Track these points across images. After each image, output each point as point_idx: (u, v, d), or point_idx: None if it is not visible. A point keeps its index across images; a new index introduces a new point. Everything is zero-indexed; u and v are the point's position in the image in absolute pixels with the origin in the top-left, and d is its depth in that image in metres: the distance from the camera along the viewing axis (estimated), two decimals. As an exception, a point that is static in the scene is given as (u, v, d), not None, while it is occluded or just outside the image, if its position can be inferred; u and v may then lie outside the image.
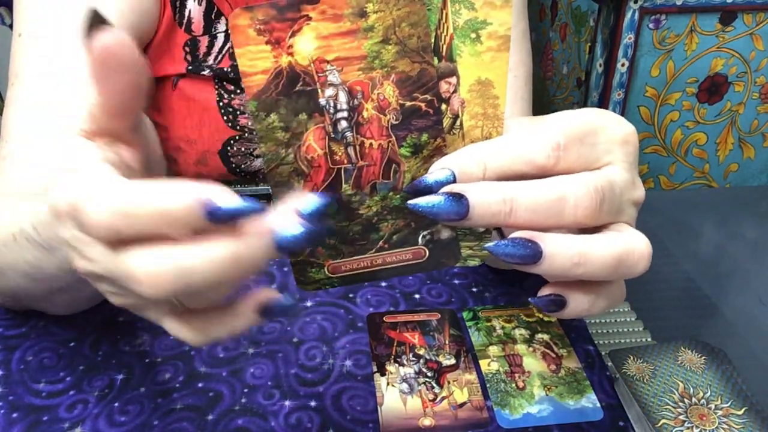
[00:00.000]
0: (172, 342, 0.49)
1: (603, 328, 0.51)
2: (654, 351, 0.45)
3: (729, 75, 0.98)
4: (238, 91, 0.61)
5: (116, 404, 0.44)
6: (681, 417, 0.40)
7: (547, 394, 0.45)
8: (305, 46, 0.29)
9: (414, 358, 0.47)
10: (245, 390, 0.45)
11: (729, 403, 0.41)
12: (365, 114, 0.31)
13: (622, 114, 1.00)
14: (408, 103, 0.31)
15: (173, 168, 0.63)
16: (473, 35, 0.30)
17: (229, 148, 0.63)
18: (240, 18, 0.28)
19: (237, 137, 0.62)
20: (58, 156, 0.29)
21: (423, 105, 0.31)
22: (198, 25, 0.59)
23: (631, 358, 0.44)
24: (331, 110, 0.31)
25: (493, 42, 0.30)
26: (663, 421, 0.40)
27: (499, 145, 0.30)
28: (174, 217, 0.24)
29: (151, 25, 0.57)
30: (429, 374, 0.46)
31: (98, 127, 0.28)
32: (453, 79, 0.31)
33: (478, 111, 0.32)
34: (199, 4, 0.58)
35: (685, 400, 0.41)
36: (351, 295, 0.54)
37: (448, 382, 0.45)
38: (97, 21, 0.25)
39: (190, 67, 0.59)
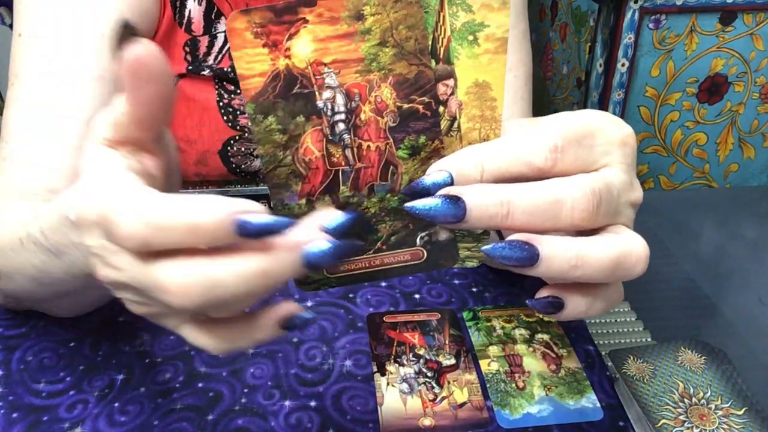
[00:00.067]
0: (172, 342, 0.49)
1: (603, 328, 0.51)
2: (654, 351, 0.45)
3: (729, 75, 0.98)
4: (238, 91, 0.61)
5: (116, 404, 0.44)
6: (681, 417, 0.40)
7: (547, 394, 0.45)
8: (302, 48, 0.29)
9: (414, 358, 0.47)
10: (245, 390, 0.45)
11: (729, 403, 0.41)
12: (363, 116, 0.31)
13: (622, 114, 1.00)
14: (405, 106, 0.31)
15: (173, 168, 0.63)
16: (470, 37, 0.30)
17: (229, 148, 0.63)
18: (237, 21, 0.28)
19: (237, 137, 0.62)
20: (80, 163, 0.29)
21: (420, 107, 0.31)
22: (198, 25, 0.59)
23: (631, 358, 0.44)
24: (329, 112, 0.31)
25: (491, 44, 0.30)
26: (663, 421, 0.40)
27: (496, 147, 0.30)
28: (205, 231, 0.24)
29: (151, 25, 0.57)
30: (429, 374, 0.46)
31: (123, 136, 0.29)
32: (450, 82, 0.31)
33: (476, 113, 0.32)
34: (199, 4, 0.58)
35: (685, 400, 0.41)
36: (351, 295, 0.54)
37: (448, 382, 0.45)
38: (128, 32, 0.26)
39: (190, 67, 0.59)
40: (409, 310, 0.52)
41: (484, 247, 0.29)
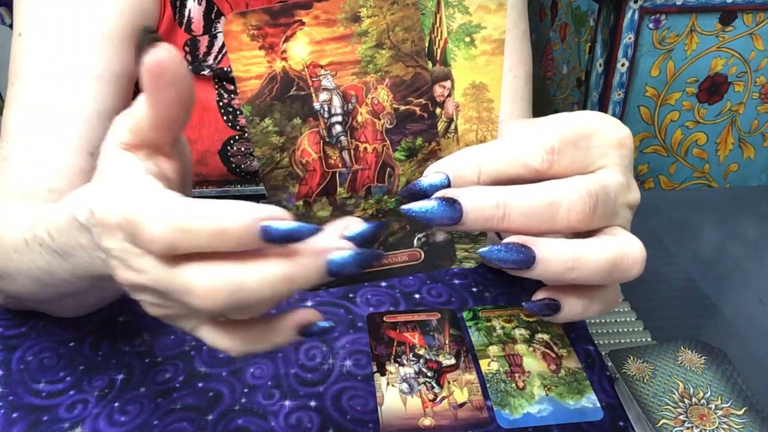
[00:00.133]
0: (172, 342, 0.49)
1: (603, 328, 0.51)
2: (654, 351, 0.45)
3: (729, 75, 0.98)
4: (238, 91, 0.61)
5: (116, 404, 0.44)
6: (681, 417, 0.40)
7: (547, 394, 0.45)
8: (299, 50, 0.29)
9: (414, 358, 0.47)
10: (245, 390, 0.45)
11: (729, 403, 0.41)
12: (360, 118, 0.31)
13: (622, 114, 1.00)
14: (402, 107, 0.31)
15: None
16: (467, 39, 0.30)
17: (229, 148, 0.63)
18: (233, 23, 0.28)
19: (237, 137, 0.62)
20: (97, 166, 0.30)
21: (417, 109, 0.31)
22: (198, 24, 0.59)
23: (631, 358, 0.44)
24: (326, 114, 0.31)
25: (488, 46, 0.30)
26: (663, 421, 0.40)
27: (493, 148, 0.30)
28: (231, 236, 0.25)
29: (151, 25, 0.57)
30: (429, 374, 0.46)
31: (142, 139, 0.29)
32: (447, 83, 0.31)
33: (473, 115, 0.32)
34: (199, 4, 0.58)
35: (685, 400, 0.41)
36: (351, 295, 0.54)
37: (448, 382, 0.45)
38: (151, 37, 0.26)
39: (189, 67, 0.59)
40: (409, 310, 0.52)
41: (481, 250, 0.29)
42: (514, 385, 0.45)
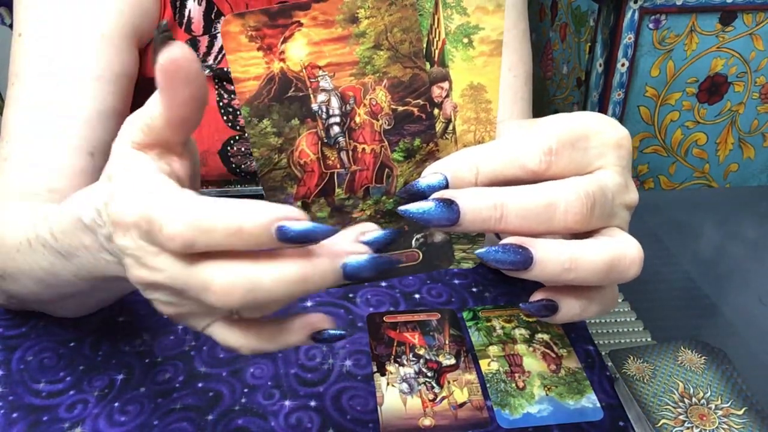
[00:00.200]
0: (172, 342, 0.49)
1: (603, 328, 0.51)
2: (654, 351, 0.45)
3: (729, 75, 0.98)
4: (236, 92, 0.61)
5: (116, 404, 0.44)
6: (681, 417, 0.40)
7: (547, 394, 0.45)
8: (297, 52, 0.29)
9: (414, 358, 0.47)
10: (245, 390, 0.45)
11: (729, 403, 0.41)
12: (358, 119, 0.31)
13: (622, 114, 1.00)
14: (400, 108, 0.31)
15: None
16: (465, 40, 0.30)
17: (229, 148, 0.63)
18: (231, 24, 0.28)
19: (237, 137, 0.62)
20: (109, 166, 0.30)
21: (415, 110, 0.31)
22: (198, 25, 0.59)
23: (631, 358, 0.44)
24: (324, 115, 0.31)
25: (486, 47, 0.30)
26: (663, 421, 0.40)
27: (491, 149, 0.30)
28: (248, 235, 0.25)
29: (151, 25, 0.57)
30: (429, 374, 0.46)
31: (155, 139, 0.29)
32: (445, 84, 0.31)
33: (471, 115, 0.32)
34: (199, 4, 0.58)
35: (685, 400, 0.41)
36: (351, 295, 0.54)
37: (448, 382, 0.45)
38: (165, 35, 0.26)
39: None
40: (409, 310, 0.52)
41: (478, 251, 0.29)
42: (514, 385, 0.45)
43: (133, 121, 0.29)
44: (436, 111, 0.31)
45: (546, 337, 0.49)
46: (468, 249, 0.34)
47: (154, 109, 0.28)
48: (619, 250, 0.29)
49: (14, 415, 0.43)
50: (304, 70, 0.30)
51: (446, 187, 0.29)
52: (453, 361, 0.47)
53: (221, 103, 0.61)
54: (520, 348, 0.48)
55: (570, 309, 0.30)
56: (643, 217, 0.65)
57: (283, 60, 0.29)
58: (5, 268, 0.43)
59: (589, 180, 0.29)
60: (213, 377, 0.46)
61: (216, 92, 0.60)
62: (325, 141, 0.31)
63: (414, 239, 0.34)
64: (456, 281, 0.55)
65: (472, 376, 0.46)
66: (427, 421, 0.43)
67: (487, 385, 0.45)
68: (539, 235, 0.29)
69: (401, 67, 0.30)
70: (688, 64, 0.97)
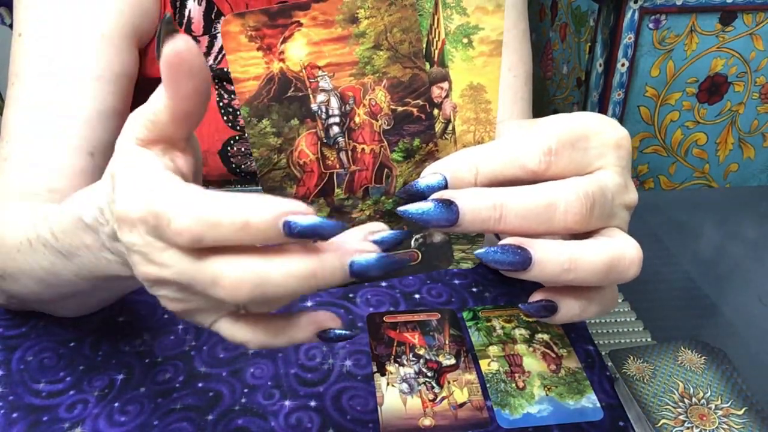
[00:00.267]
0: (172, 342, 0.49)
1: (603, 328, 0.51)
2: (654, 351, 0.45)
3: (729, 75, 0.98)
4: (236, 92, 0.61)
5: (116, 404, 0.44)
6: (681, 417, 0.40)
7: (547, 394, 0.45)
8: (297, 52, 0.29)
9: (414, 358, 0.47)
10: (245, 390, 0.45)
11: (729, 403, 0.41)
12: (357, 119, 0.31)
13: (622, 114, 1.00)
14: (400, 108, 0.31)
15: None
16: (465, 40, 0.30)
17: (229, 148, 0.63)
18: (231, 24, 0.28)
19: (237, 137, 0.62)
20: (113, 163, 0.30)
21: (415, 110, 0.31)
22: (198, 25, 0.59)
23: (631, 358, 0.44)
24: (323, 116, 0.31)
25: (485, 47, 0.30)
26: (663, 421, 0.40)
27: (491, 149, 0.30)
28: (256, 229, 0.25)
29: (151, 25, 0.57)
30: (429, 374, 0.46)
31: (159, 134, 0.29)
32: (445, 84, 0.31)
33: (470, 116, 0.32)
34: (199, 4, 0.58)
35: (685, 400, 0.41)
36: (351, 295, 0.54)
37: (448, 382, 0.45)
38: (169, 28, 0.26)
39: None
40: (409, 310, 0.52)
41: (477, 252, 0.29)
42: (514, 385, 0.45)
43: (136, 117, 0.29)
44: (435, 111, 0.31)
45: (546, 337, 0.49)
46: (467, 249, 0.34)
47: (157, 103, 0.28)
48: (619, 250, 0.29)
49: (14, 415, 0.43)
50: (303, 70, 0.30)
51: (445, 187, 0.29)
52: (453, 361, 0.47)
53: (221, 103, 0.61)
54: (520, 348, 0.48)
55: (569, 309, 0.30)
56: (643, 217, 0.65)
57: (282, 60, 0.29)
58: (6, 268, 0.43)
59: (589, 180, 0.29)
60: (213, 377, 0.46)
61: (216, 92, 0.60)
62: (325, 141, 0.31)
63: (413, 240, 0.34)
64: (456, 281, 0.55)
65: (472, 376, 0.46)
66: (427, 421, 0.43)
67: (487, 385, 0.45)
68: (539, 235, 0.29)
69: (401, 68, 0.30)
70: (688, 64, 0.97)
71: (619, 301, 0.54)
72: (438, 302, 0.53)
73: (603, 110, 0.99)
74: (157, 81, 0.28)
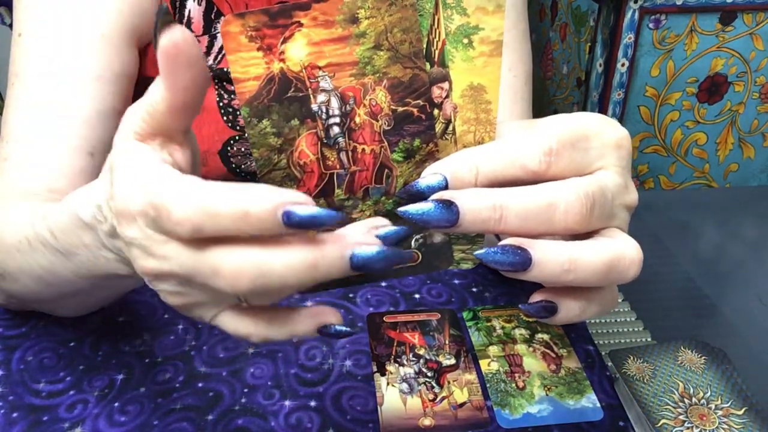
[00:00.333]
0: (172, 342, 0.49)
1: (603, 328, 0.51)
2: (654, 351, 0.45)
3: (729, 75, 0.98)
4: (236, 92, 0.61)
5: (116, 404, 0.44)
6: (681, 417, 0.40)
7: (547, 394, 0.45)
8: (297, 52, 0.29)
9: (414, 358, 0.47)
10: (245, 390, 0.45)
11: (729, 403, 0.41)
12: (357, 119, 0.31)
13: (622, 114, 1.00)
14: (400, 109, 0.31)
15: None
16: (465, 40, 0.30)
17: (229, 148, 0.63)
18: (231, 25, 0.28)
19: (237, 137, 0.62)
20: (110, 158, 0.30)
21: (415, 110, 0.31)
22: (198, 25, 0.59)
23: (631, 358, 0.44)
24: (324, 116, 0.31)
25: (486, 47, 0.30)
26: (663, 421, 0.40)
27: (491, 150, 0.30)
28: (255, 219, 0.25)
29: (150, 25, 0.57)
30: (429, 374, 0.46)
31: (156, 127, 0.29)
32: (445, 85, 0.31)
33: (471, 116, 0.32)
34: (199, 4, 0.58)
35: (685, 400, 0.41)
36: (351, 295, 0.54)
37: (448, 382, 0.45)
38: (166, 19, 0.26)
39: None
40: (409, 310, 0.52)
41: (477, 252, 0.29)
42: (514, 385, 0.45)
43: (134, 111, 0.29)
44: (435, 111, 0.31)
45: (546, 337, 0.49)
46: (467, 250, 0.34)
47: (155, 95, 0.28)
48: (619, 250, 0.29)
49: (14, 415, 0.43)
50: (303, 71, 0.30)
51: (446, 187, 0.29)
52: (453, 361, 0.47)
53: (221, 103, 0.61)
54: (520, 348, 0.48)
55: (569, 310, 0.30)
56: (643, 217, 0.65)
57: (283, 60, 0.29)
58: (5, 267, 0.43)
59: (589, 180, 0.29)
60: (213, 377, 0.46)
61: (216, 92, 0.60)
62: (325, 141, 0.31)
63: (413, 240, 0.34)
64: (456, 281, 0.55)
65: (472, 376, 0.46)
66: (427, 421, 0.43)
67: (487, 385, 0.45)
68: (539, 236, 0.29)
69: (401, 68, 0.30)
70: (688, 64, 0.97)
71: (619, 301, 0.54)
72: (438, 302, 0.53)
73: (603, 110, 0.99)
74: None
